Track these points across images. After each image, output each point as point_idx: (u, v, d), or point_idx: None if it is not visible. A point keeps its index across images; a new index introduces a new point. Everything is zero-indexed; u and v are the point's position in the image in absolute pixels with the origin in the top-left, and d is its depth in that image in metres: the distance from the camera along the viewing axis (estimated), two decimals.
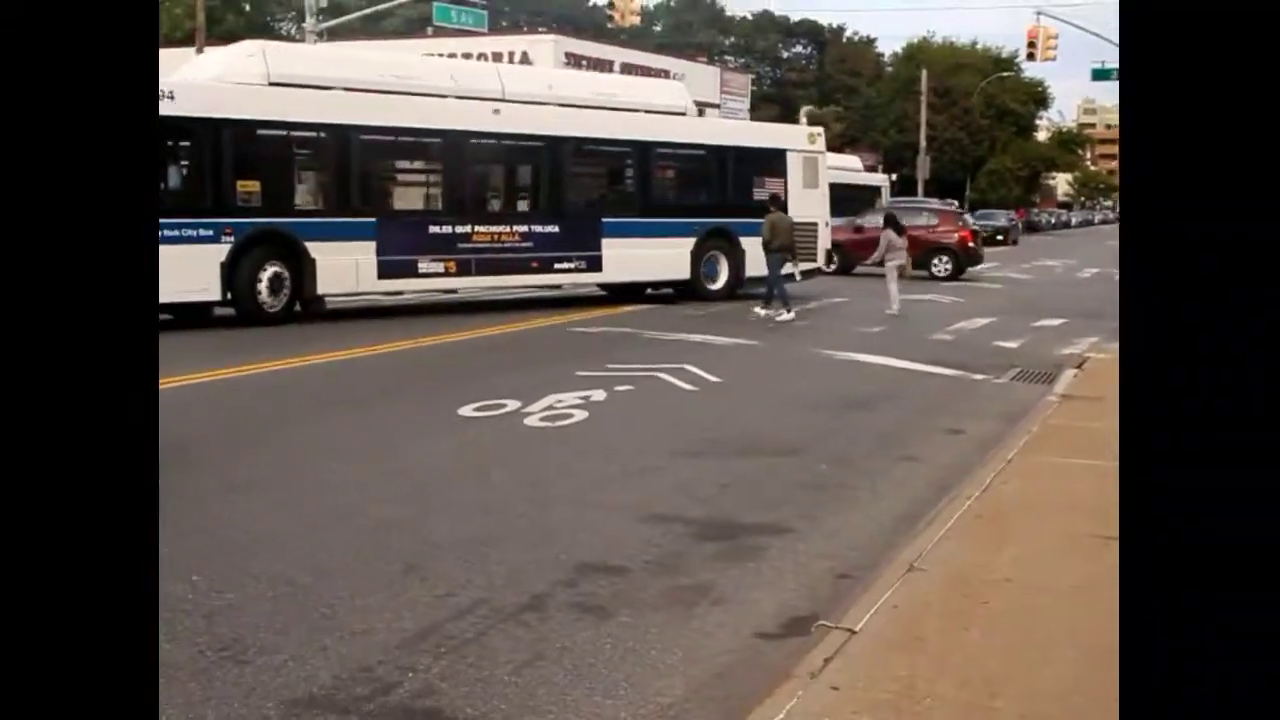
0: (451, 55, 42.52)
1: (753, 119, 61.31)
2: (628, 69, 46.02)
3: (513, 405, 10.20)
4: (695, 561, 6.12)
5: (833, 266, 24.99)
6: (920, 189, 56.25)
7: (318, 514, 6.83)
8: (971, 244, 30.58)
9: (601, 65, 44.20)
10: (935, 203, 35.30)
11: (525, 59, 41.69)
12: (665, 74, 49.06)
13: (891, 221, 21.48)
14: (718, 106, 53.76)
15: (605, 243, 20.36)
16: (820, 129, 25.29)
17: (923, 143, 61.21)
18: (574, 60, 42.81)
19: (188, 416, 9.28)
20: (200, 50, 40.54)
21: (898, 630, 4.97)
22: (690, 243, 21.53)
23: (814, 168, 23.60)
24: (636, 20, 29.07)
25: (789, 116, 74.99)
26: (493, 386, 10.89)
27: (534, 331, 16.66)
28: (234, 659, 4.64)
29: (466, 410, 9.96)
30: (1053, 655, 4.73)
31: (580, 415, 9.92)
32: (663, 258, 21.07)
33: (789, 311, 18.78)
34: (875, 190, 47.13)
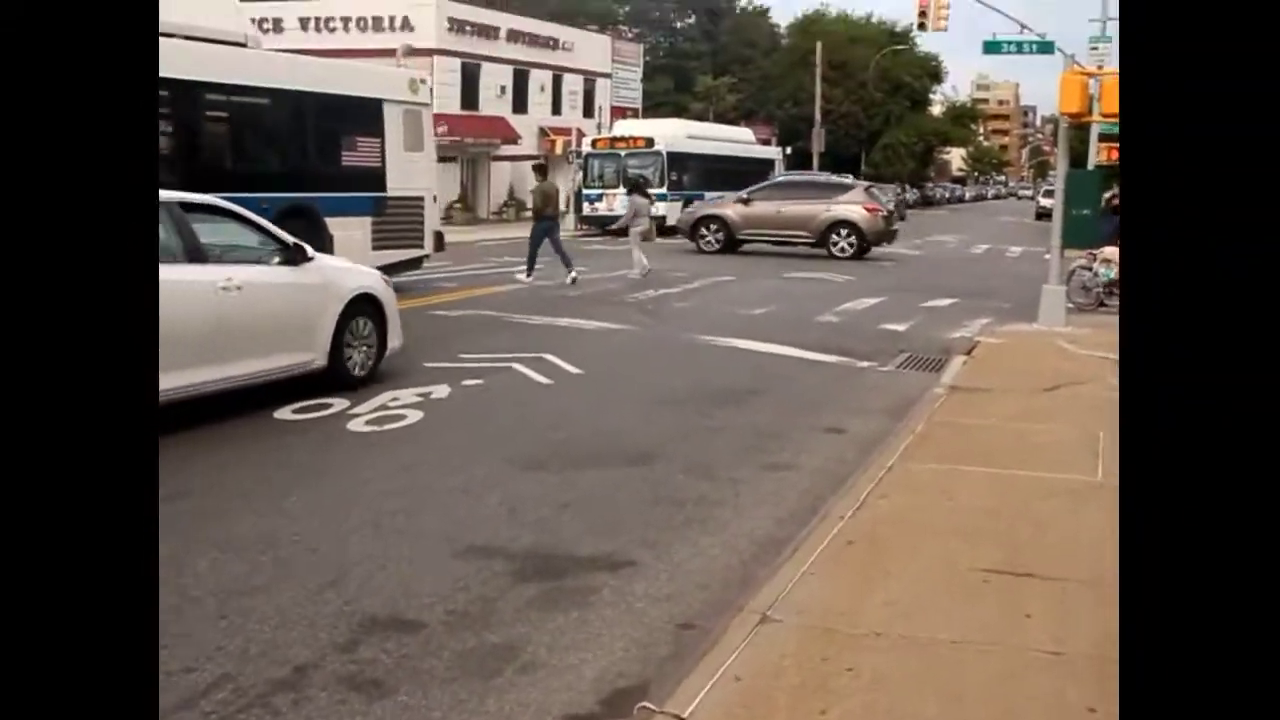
0: (328, 19, 40.80)
1: (645, 90, 60.31)
2: (514, 36, 44.62)
3: (339, 405, 9.04)
4: (509, 610, 5.08)
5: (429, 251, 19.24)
6: (815, 163, 55.67)
7: None
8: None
9: (486, 32, 42.72)
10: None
11: (406, 24, 40.05)
12: (554, 41, 47.76)
13: (637, 188, 22.20)
14: (609, 76, 52.54)
15: None
16: (424, 75, 20.23)
17: (818, 116, 60.63)
18: (457, 26, 41.24)
19: None
20: None
21: (737, 713, 3.98)
22: None
23: (417, 125, 18.33)
24: None
25: (684, 87, 74.15)
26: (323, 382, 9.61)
27: None
28: None
29: (284, 412, 8.77)
30: None
31: (414, 417, 8.80)
32: None
33: (571, 271, 19.54)
34: (769, 163, 46.47)
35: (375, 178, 17.08)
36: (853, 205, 27.51)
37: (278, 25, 41.92)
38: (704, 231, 28.22)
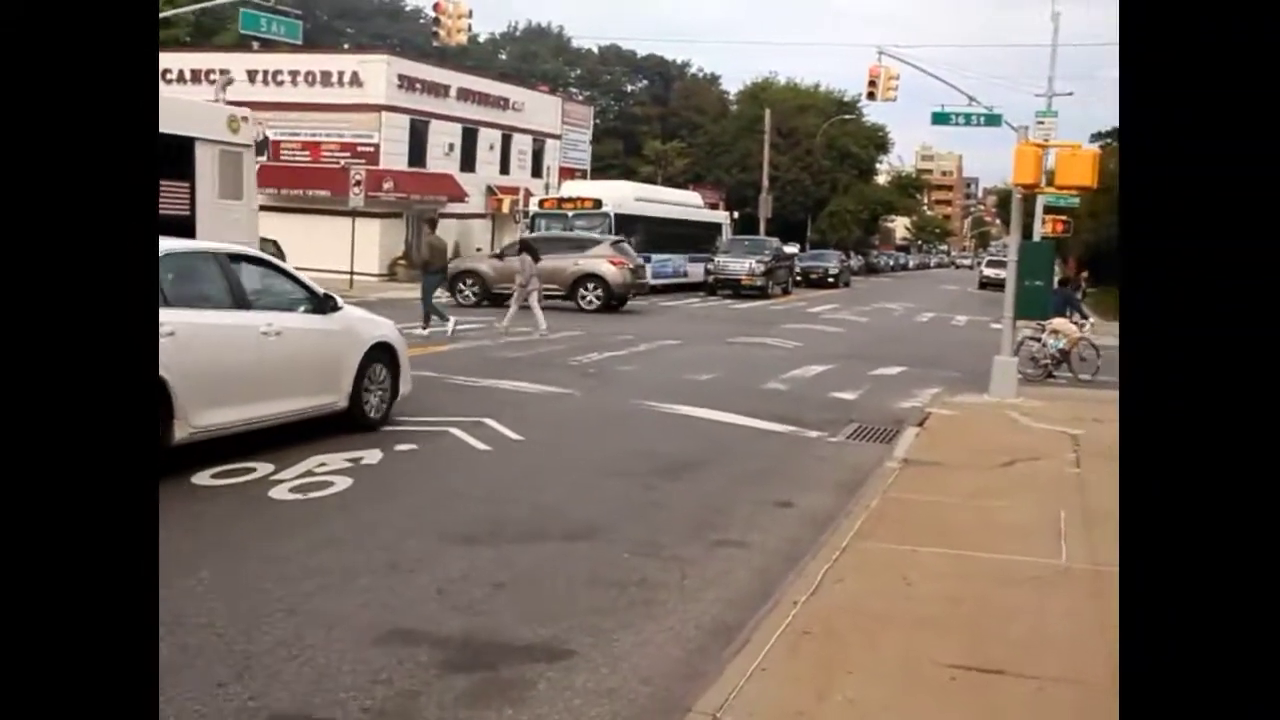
0: (276, 73, 40.41)
1: (594, 152, 60.36)
2: (464, 95, 44.42)
3: (262, 470, 8.50)
4: (433, 707, 4.60)
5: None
6: (762, 228, 55.80)
7: None
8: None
9: (436, 90, 42.47)
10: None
11: (355, 80, 39.69)
12: (505, 101, 47.62)
13: (528, 248, 22.08)
14: (559, 137, 52.48)
15: None
16: (247, 111, 17.60)
17: (765, 182, 60.93)
18: (407, 83, 40.94)
19: None
20: None
21: None
22: None
23: (236, 169, 16.33)
24: (464, 39, 27.32)
25: (633, 151, 74.43)
26: (247, 442, 9.04)
27: None
28: None
29: (203, 476, 8.22)
30: None
31: (342, 484, 8.29)
32: None
33: (449, 321, 19.92)
34: (716, 227, 46.44)
35: (183, 229, 14.34)
36: (599, 259, 28.38)
37: (225, 76, 41.49)
38: (461, 286, 28.74)
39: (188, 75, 42.09)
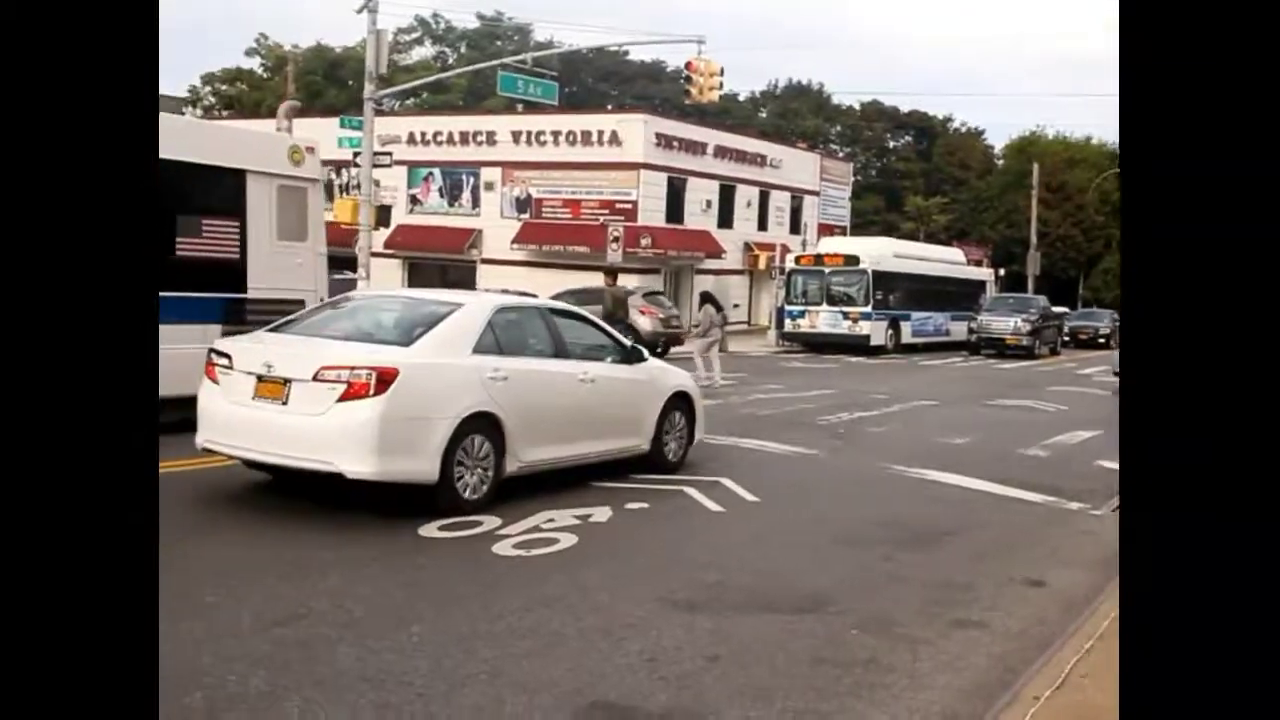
0: (539, 133, 41.75)
1: (854, 208, 59.69)
2: (721, 152, 44.73)
3: (489, 524, 8.44)
4: None
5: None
6: (1030, 285, 53.74)
7: None
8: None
9: (694, 147, 42.93)
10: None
11: (615, 139, 40.56)
12: (762, 158, 47.70)
13: (710, 300, 22.72)
14: (817, 193, 52.13)
15: None
16: (315, 141, 14.98)
17: (1034, 238, 58.72)
18: (664, 141, 41.55)
19: None
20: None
21: None
22: None
23: (299, 206, 14.22)
24: (715, 97, 27.36)
25: (894, 206, 73.28)
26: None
27: None
28: None
29: (430, 528, 8.23)
30: None
31: (567, 541, 8.13)
32: None
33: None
34: (980, 285, 44.96)
35: (229, 273, 13.10)
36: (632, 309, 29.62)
37: (490, 138, 43.20)
38: None
39: (456, 137, 44.05)
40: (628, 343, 11.17)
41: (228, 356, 8.88)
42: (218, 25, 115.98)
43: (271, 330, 9.71)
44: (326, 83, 69.25)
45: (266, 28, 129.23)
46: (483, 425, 8.86)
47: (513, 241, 41.76)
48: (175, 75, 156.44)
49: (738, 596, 7.07)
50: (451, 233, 43.60)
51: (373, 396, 8.16)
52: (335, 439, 8.19)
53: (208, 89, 78.84)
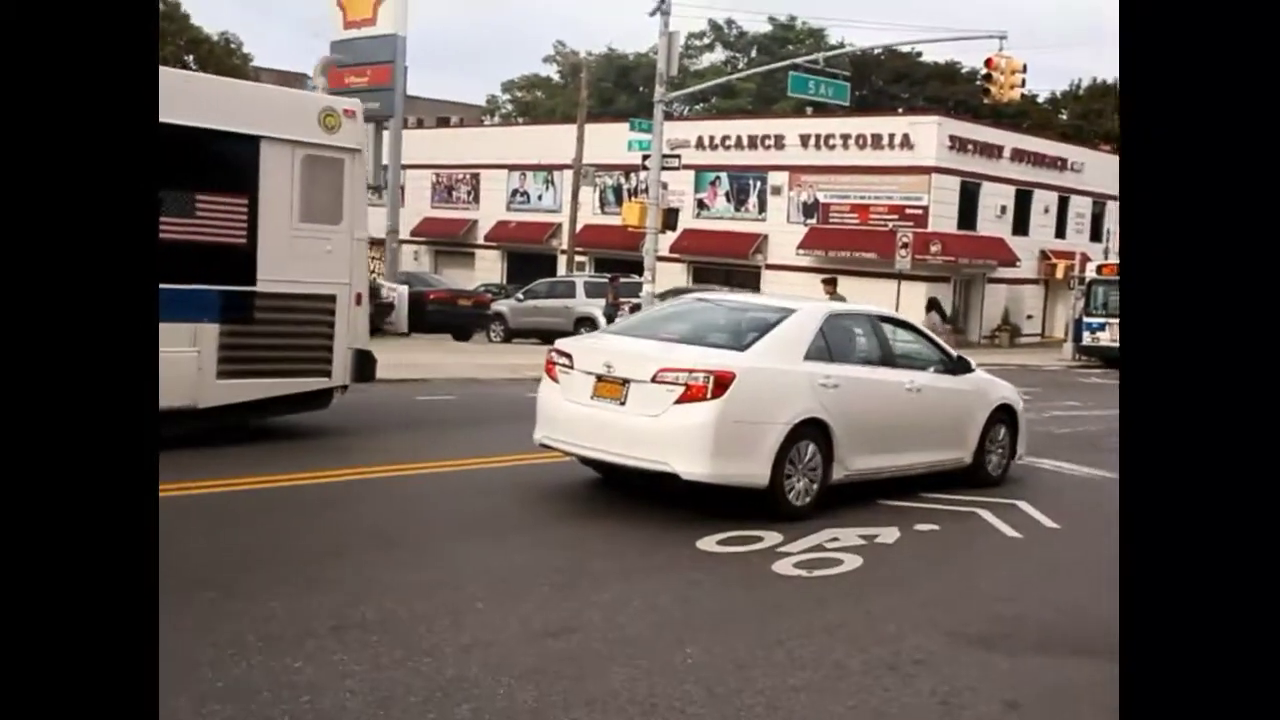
0: (828, 137, 41.18)
1: None
2: (1018, 155, 42.90)
3: (770, 540, 8.12)
4: None
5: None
6: None
7: (381, 685, 5.06)
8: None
9: (989, 150, 41.32)
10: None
11: (906, 142, 39.52)
12: (1062, 162, 45.47)
13: (936, 306, 22.33)
14: (1115, 198, 49.25)
15: None
16: (354, 103, 12.14)
17: None
18: (958, 144, 40.15)
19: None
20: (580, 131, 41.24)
21: None
22: None
23: (334, 181, 11.51)
24: (1017, 96, 25.92)
25: None
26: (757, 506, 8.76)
27: None
28: None
29: (708, 542, 7.98)
30: None
31: (851, 563, 7.71)
32: None
33: None
34: None
35: (231, 261, 10.78)
36: (592, 304, 30.21)
37: (779, 142, 42.91)
38: (493, 326, 32.68)
39: (744, 141, 43.97)
40: (954, 353, 10.99)
41: (568, 356, 9.19)
42: (517, 32, 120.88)
43: (610, 331, 10.29)
44: (617, 89, 70.72)
45: (560, 35, 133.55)
46: (813, 432, 8.86)
47: (798, 247, 41.29)
48: (479, 82, 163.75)
49: (1037, 634, 6.49)
50: (737, 237, 43.55)
51: (710, 399, 8.28)
52: (671, 440, 8.34)
53: (505, 96, 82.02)
